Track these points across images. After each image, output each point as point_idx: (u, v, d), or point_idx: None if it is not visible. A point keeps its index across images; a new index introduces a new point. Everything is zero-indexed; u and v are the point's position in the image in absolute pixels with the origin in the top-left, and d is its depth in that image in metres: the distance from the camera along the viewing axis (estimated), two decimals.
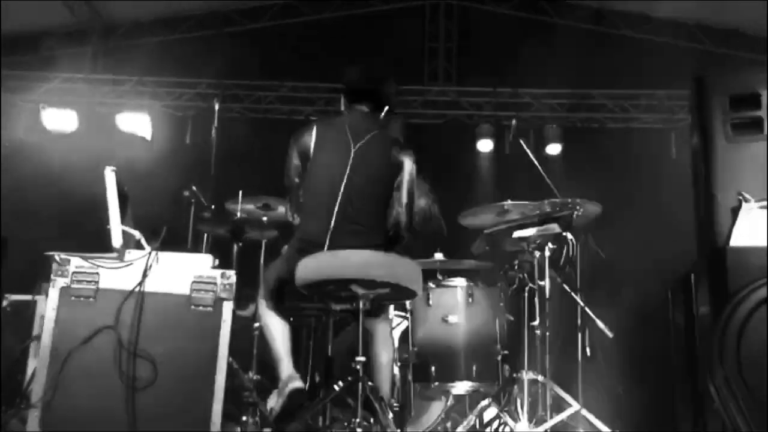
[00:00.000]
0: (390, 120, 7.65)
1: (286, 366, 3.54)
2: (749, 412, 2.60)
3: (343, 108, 3.82)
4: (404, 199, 3.61)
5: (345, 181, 3.50)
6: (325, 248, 3.43)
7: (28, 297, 3.75)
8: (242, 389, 4.24)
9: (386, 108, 3.75)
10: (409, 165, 3.65)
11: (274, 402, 3.61)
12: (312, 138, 3.60)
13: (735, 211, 3.08)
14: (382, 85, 3.82)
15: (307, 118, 8.03)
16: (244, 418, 4.15)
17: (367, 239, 3.49)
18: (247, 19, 8.24)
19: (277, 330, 3.61)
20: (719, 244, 3.02)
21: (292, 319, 3.90)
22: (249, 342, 4.50)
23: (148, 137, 7.65)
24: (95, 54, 8.09)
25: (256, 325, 4.56)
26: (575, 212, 3.85)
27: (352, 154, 3.54)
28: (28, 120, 7.59)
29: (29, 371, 3.59)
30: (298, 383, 3.43)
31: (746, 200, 3.08)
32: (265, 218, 4.94)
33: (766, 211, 3.05)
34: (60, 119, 7.58)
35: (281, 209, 4.90)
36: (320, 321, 3.97)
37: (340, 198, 3.48)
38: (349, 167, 3.52)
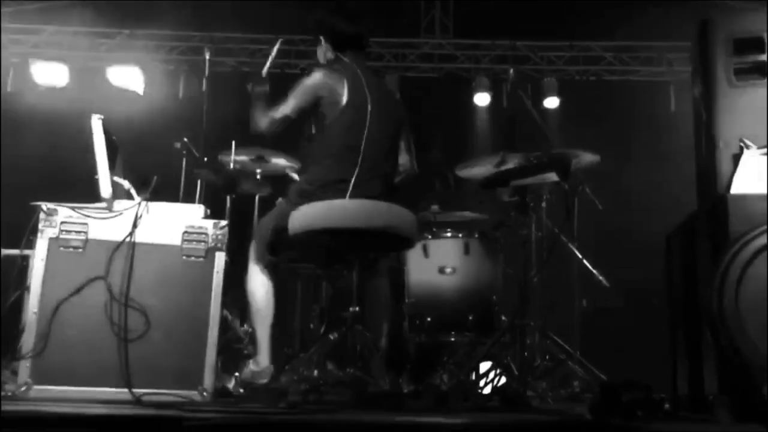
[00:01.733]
0: (386, 74, 7.55)
1: (263, 354, 3.53)
2: (747, 358, 2.58)
3: (328, 55, 3.75)
4: (406, 143, 3.72)
5: (366, 133, 3.48)
6: (348, 195, 3.39)
7: (16, 251, 3.70)
8: (236, 341, 4.23)
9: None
10: (406, 118, 3.78)
11: (248, 376, 3.59)
12: (345, 87, 3.51)
13: (736, 158, 3.03)
14: (367, 28, 3.83)
15: (301, 72, 7.91)
16: (237, 372, 4.12)
17: (383, 187, 3.50)
18: None
19: (261, 308, 3.57)
20: (720, 191, 2.97)
21: (284, 266, 3.86)
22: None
23: (140, 91, 7.53)
24: (84, 6, 7.91)
25: None
26: (573, 161, 3.79)
27: (369, 110, 3.51)
28: (17, 74, 7.47)
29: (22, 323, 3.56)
30: (266, 380, 3.43)
31: (748, 147, 3.03)
32: (259, 170, 4.88)
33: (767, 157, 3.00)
34: (50, 73, 7.46)
35: (275, 161, 4.84)
36: (315, 271, 3.94)
37: (362, 150, 3.46)
38: (368, 121, 3.49)
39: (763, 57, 3.11)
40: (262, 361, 3.51)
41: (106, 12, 7.85)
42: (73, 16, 7.86)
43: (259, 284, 3.59)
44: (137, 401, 2.84)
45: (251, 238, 3.74)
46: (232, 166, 4.66)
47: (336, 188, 3.41)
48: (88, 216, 3.13)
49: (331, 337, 3.30)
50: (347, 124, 3.49)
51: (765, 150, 3.02)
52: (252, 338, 3.81)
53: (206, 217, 3.28)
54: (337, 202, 3.37)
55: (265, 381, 3.39)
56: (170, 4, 7.80)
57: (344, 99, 3.49)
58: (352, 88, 3.51)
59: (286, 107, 3.51)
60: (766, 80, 3.11)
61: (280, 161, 4.82)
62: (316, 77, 3.54)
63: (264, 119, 3.53)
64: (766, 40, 3.12)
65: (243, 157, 4.79)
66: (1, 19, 7.04)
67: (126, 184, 3.26)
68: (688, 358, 3.25)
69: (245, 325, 4.38)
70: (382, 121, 3.54)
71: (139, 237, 3.12)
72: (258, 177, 4.90)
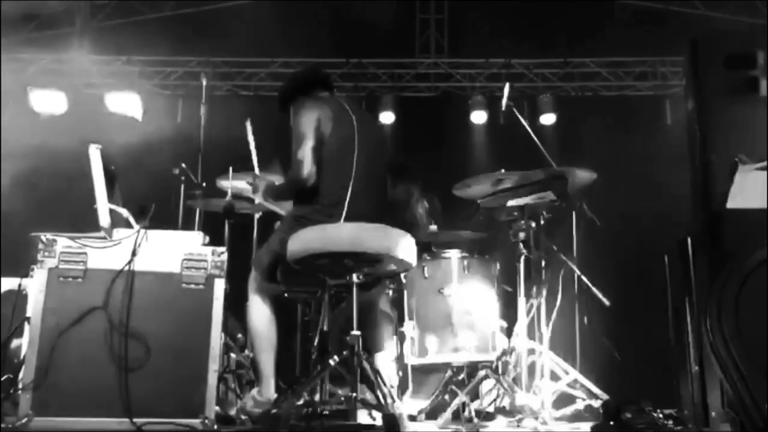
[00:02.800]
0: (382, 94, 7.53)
1: (268, 384, 3.53)
2: (748, 374, 2.57)
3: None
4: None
5: (356, 153, 3.53)
6: (342, 219, 3.43)
7: (16, 280, 3.70)
8: (238, 367, 4.21)
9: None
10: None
11: (250, 405, 3.58)
12: (330, 117, 3.56)
13: (731, 173, 3.04)
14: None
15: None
16: (240, 401, 4.10)
17: (377, 208, 3.53)
18: None
19: (264, 339, 3.57)
20: (715, 207, 2.98)
21: (286, 294, 3.86)
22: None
23: (139, 117, 7.56)
24: (82, 34, 7.97)
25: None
26: (570, 179, 3.79)
27: (356, 131, 3.58)
28: (15, 102, 7.49)
29: (23, 354, 3.55)
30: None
31: (742, 162, 3.04)
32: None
33: (763, 172, 3.01)
34: (48, 101, 7.48)
35: None
36: (315, 295, 3.93)
37: (354, 171, 3.49)
38: (356, 142, 3.55)
39: (755, 73, 3.13)
40: (266, 393, 3.51)
41: (103, 38, 7.90)
42: (70, 43, 7.92)
43: (260, 315, 3.60)
44: (138, 431, 2.83)
45: (251, 266, 3.75)
46: (229, 192, 4.64)
47: (328, 213, 3.45)
48: (87, 245, 3.13)
49: (332, 362, 3.28)
50: (334, 151, 3.54)
51: (759, 165, 3.03)
52: (254, 366, 3.80)
53: (205, 243, 3.28)
54: (334, 226, 3.38)
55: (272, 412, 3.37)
56: (167, 29, 7.86)
57: (330, 127, 3.55)
58: (337, 118, 3.58)
59: (306, 147, 3.47)
60: (758, 95, 3.12)
61: None
62: (306, 108, 3.58)
63: (294, 177, 3.50)
64: (758, 56, 3.14)
65: (241, 182, 4.78)
66: (1, 48, 7.07)
67: (124, 212, 3.27)
68: (691, 374, 3.24)
69: (246, 350, 4.37)
70: (369, 147, 3.59)
71: (139, 265, 3.12)
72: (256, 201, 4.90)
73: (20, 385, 2.98)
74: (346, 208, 3.44)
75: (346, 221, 3.41)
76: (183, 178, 4.85)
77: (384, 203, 3.68)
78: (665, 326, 3.41)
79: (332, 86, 3.91)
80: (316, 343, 4.23)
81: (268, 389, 3.53)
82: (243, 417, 3.62)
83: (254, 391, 3.64)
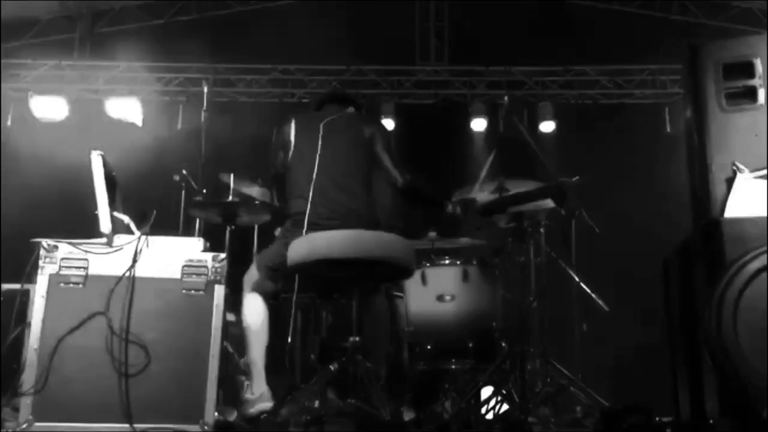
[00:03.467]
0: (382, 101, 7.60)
1: (259, 380, 3.52)
2: (747, 381, 2.58)
3: None
4: (386, 157, 3.76)
5: (317, 159, 3.58)
6: (305, 226, 3.47)
7: (17, 286, 3.71)
8: (237, 373, 4.21)
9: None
10: (379, 129, 3.87)
11: (246, 408, 3.56)
12: (291, 128, 3.74)
13: (730, 182, 3.05)
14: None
15: (299, 101, 7.99)
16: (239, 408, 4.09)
17: (350, 213, 3.54)
18: (236, 2, 8.15)
19: (256, 332, 3.58)
20: (714, 215, 3.00)
21: (284, 296, 3.87)
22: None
23: (139, 123, 7.58)
24: (83, 40, 8.00)
25: None
26: (569, 185, 3.81)
27: (320, 134, 3.64)
28: (16, 109, 7.52)
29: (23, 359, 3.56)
30: (267, 404, 3.41)
31: (741, 170, 3.05)
32: (257, 201, 4.90)
33: (761, 181, 3.02)
34: (49, 107, 7.51)
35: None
36: (314, 301, 3.94)
37: (315, 176, 3.54)
38: (319, 146, 3.61)
39: (753, 81, 3.14)
40: (257, 388, 3.49)
41: (104, 45, 7.93)
42: (71, 49, 7.95)
43: (255, 310, 3.61)
44: None
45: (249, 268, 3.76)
46: (230, 197, 4.66)
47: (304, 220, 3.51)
48: (89, 251, 3.14)
49: (332, 368, 3.29)
50: (298, 163, 3.66)
51: (758, 173, 3.05)
52: (246, 364, 3.79)
53: (205, 249, 3.29)
54: (333, 233, 3.39)
55: (267, 405, 3.37)
56: (168, 35, 7.89)
57: (293, 140, 3.72)
58: (299, 132, 3.72)
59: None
60: (757, 104, 3.14)
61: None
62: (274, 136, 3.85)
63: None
64: (756, 65, 3.16)
65: (242, 188, 4.80)
66: (1, 54, 7.10)
67: (126, 218, 3.28)
68: (689, 381, 3.25)
69: (245, 357, 4.36)
70: (328, 149, 3.64)
71: (139, 271, 3.13)
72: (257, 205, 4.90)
73: (20, 391, 2.99)
74: (306, 219, 3.49)
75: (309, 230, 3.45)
76: (183, 184, 4.87)
77: (364, 202, 3.68)
78: (663, 333, 3.41)
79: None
80: (314, 350, 4.24)
81: (260, 385, 3.51)
82: (242, 423, 3.61)
83: (247, 393, 3.62)
